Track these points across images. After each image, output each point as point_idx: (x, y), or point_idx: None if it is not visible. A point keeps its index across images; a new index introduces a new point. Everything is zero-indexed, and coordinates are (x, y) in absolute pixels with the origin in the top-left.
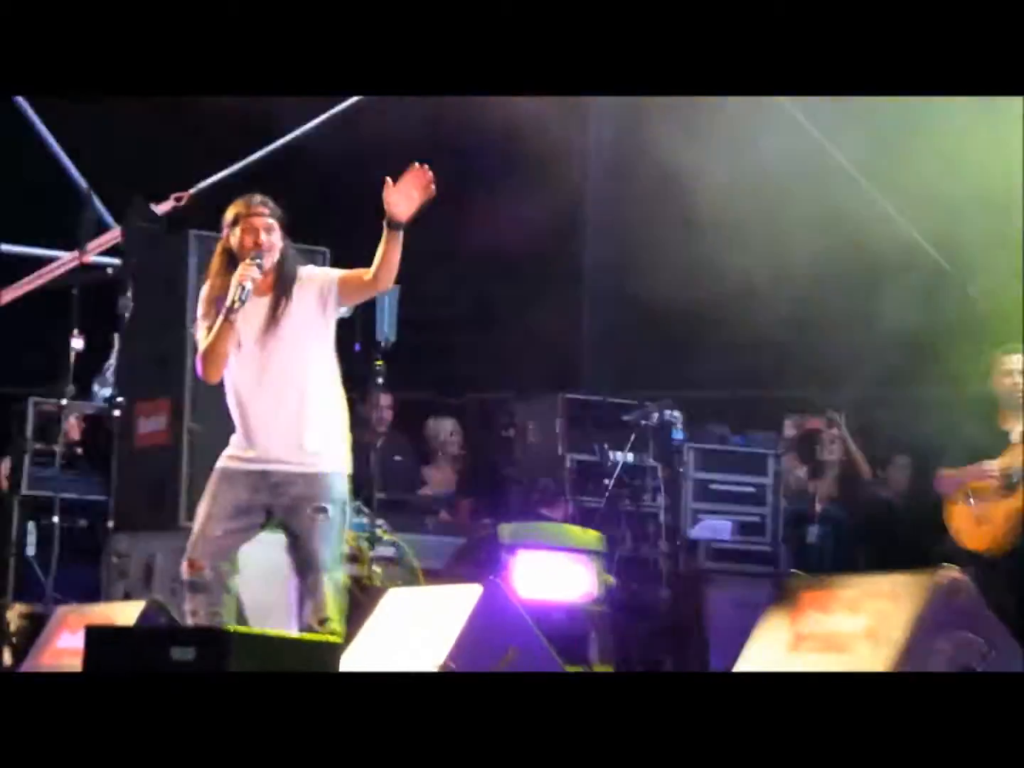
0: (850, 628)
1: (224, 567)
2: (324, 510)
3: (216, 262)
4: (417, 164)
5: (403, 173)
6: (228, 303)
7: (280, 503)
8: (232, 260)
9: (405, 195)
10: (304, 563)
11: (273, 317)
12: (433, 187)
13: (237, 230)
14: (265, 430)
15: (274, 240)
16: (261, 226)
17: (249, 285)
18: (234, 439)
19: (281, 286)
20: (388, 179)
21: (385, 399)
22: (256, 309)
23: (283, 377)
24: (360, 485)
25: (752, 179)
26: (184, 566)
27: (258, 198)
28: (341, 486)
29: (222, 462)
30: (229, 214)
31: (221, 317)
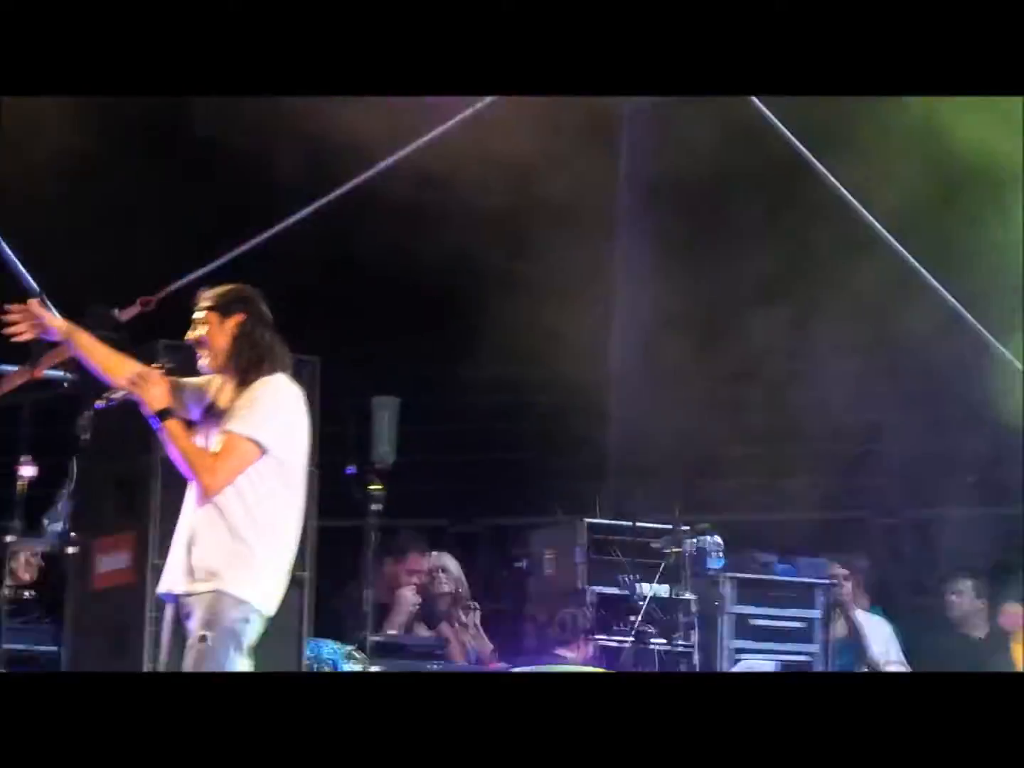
0: None
1: None
2: (203, 638)
3: None
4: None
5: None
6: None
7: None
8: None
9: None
10: None
11: (203, 422)
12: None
13: None
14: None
15: (206, 336)
16: (194, 320)
17: (121, 394)
18: None
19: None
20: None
21: (416, 561)
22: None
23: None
24: (354, 627)
25: None
26: None
27: (204, 291)
28: (234, 612)
29: None
30: None
31: None
